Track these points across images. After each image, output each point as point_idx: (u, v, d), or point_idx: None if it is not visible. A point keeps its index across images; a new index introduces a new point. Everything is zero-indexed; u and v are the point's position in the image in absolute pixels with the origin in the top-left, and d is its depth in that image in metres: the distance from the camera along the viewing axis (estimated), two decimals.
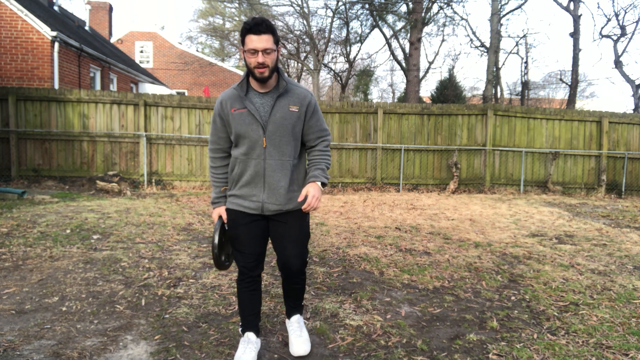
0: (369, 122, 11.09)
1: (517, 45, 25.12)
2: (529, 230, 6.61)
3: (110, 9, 22.39)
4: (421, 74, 23.08)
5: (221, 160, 2.61)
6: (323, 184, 2.53)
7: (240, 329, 2.74)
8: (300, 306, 2.85)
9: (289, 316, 2.84)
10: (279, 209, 2.50)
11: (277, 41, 2.37)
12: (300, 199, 2.48)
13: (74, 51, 13.11)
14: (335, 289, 3.88)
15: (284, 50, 23.32)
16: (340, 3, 21.30)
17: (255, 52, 2.30)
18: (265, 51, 2.30)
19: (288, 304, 2.83)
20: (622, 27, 18.94)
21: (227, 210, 2.59)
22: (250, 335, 2.66)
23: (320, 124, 2.58)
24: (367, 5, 20.16)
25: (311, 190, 2.45)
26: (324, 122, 2.61)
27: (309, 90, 2.57)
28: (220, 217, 2.62)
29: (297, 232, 2.57)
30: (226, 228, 2.64)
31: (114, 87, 16.81)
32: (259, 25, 2.28)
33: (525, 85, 26.45)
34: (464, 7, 46.05)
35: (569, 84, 20.54)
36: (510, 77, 68.13)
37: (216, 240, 2.54)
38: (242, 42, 2.35)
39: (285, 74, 2.52)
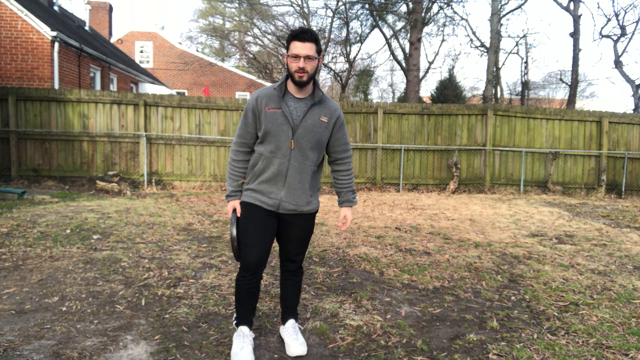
0: (369, 122, 11.09)
1: (517, 45, 25.12)
2: (529, 230, 6.61)
3: (110, 9, 22.39)
4: (421, 74, 23.09)
5: (244, 155, 2.69)
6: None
7: (234, 322, 2.78)
8: (295, 311, 2.89)
9: (283, 322, 2.88)
10: (295, 209, 2.62)
11: (319, 50, 2.52)
12: (340, 221, 2.80)
13: (74, 51, 13.11)
14: (335, 289, 3.88)
15: (283, 50, 23.32)
16: (340, 3, 21.30)
17: (297, 57, 2.45)
18: (307, 57, 2.45)
19: (284, 304, 2.87)
20: (622, 27, 18.93)
21: (243, 203, 2.66)
22: (244, 329, 2.71)
23: (346, 138, 2.76)
24: (367, 5, 20.16)
25: (349, 215, 2.79)
26: (347, 136, 2.78)
27: (338, 105, 2.74)
28: (234, 210, 2.68)
29: (305, 233, 2.74)
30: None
31: (114, 87, 16.80)
32: (304, 33, 2.46)
33: (525, 85, 26.45)
34: (464, 7, 46.11)
35: (569, 84, 20.54)
36: (510, 77, 68.16)
37: (234, 233, 2.61)
38: (287, 47, 2.52)
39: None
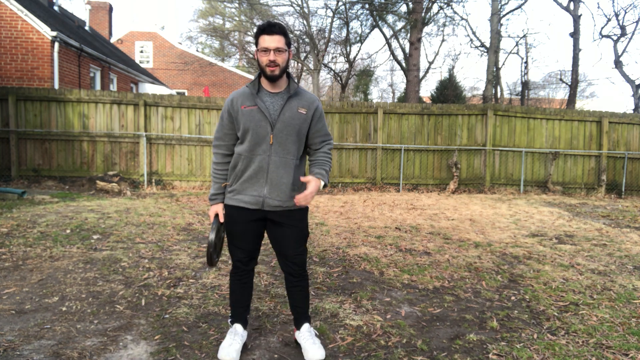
0: (369, 122, 11.09)
1: (517, 45, 25.14)
2: (529, 230, 6.61)
3: (110, 9, 22.38)
4: (421, 74, 23.09)
5: (223, 157, 2.67)
6: (324, 185, 2.61)
7: (229, 320, 2.80)
8: (307, 315, 2.82)
9: (298, 326, 2.80)
10: (280, 204, 2.57)
11: (288, 43, 2.50)
12: (303, 179, 2.53)
13: (74, 51, 13.10)
14: (335, 289, 3.88)
15: None
16: (340, 3, 21.31)
17: (267, 50, 2.44)
18: (277, 50, 2.44)
19: (295, 311, 2.80)
20: (622, 27, 18.94)
21: (226, 206, 2.65)
22: (237, 327, 2.73)
23: (325, 129, 2.70)
24: (367, 5, 20.16)
25: (313, 184, 2.49)
26: (327, 127, 2.74)
27: (316, 96, 2.71)
28: (217, 215, 2.67)
29: (297, 232, 2.65)
30: (222, 225, 2.69)
31: (114, 87, 16.80)
32: (272, 26, 2.45)
33: (525, 85, 26.45)
34: (464, 7, 46.16)
35: (569, 84, 20.55)
36: (510, 77, 68.18)
37: (212, 239, 2.59)
38: (256, 43, 2.51)
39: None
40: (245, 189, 2.58)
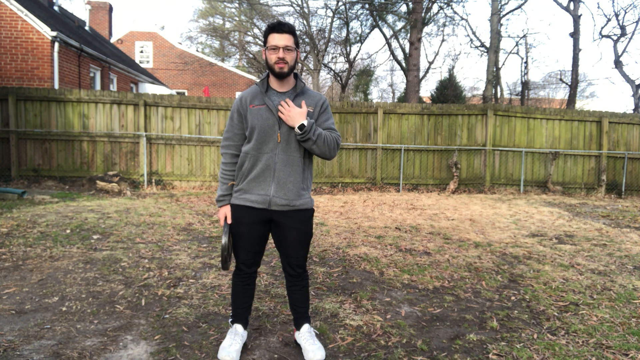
0: (369, 122, 11.09)
1: (517, 45, 25.14)
2: (529, 230, 6.61)
3: (110, 9, 22.38)
4: (421, 74, 23.10)
5: (232, 157, 2.67)
6: (304, 128, 2.46)
7: (230, 320, 2.80)
8: (307, 315, 2.81)
9: (298, 327, 2.79)
10: (287, 203, 2.55)
11: (297, 43, 2.53)
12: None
13: (74, 51, 13.10)
14: (335, 289, 3.88)
15: None
16: (340, 3, 21.32)
17: (276, 48, 2.47)
18: (286, 48, 2.47)
19: (295, 311, 2.79)
20: (622, 27, 18.94)
21: (232, 206, 2.63)
22: (238, 328, 2.73)
23: (330, 123, 2.65)
24: (367, 5, 20.17)
25: (298, 109, 2.47)
26: (334, 123, 2.69)
27: (322, 94, 2.69)
28: (226, 217, 2.65)
29: (301, 234, 2.63)
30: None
31: (114, 87, 16.80)
32: (282, 25, 2.49)
33: (525, 85, 26.46)
34: (464, 7, 46.10)
35: (569, 84, 20.55)
36: (510, 77, 68.09)
37: (225, 242, 2.58)
38: (265, 41, 2.53)
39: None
40: (252, 188, 2.56)
